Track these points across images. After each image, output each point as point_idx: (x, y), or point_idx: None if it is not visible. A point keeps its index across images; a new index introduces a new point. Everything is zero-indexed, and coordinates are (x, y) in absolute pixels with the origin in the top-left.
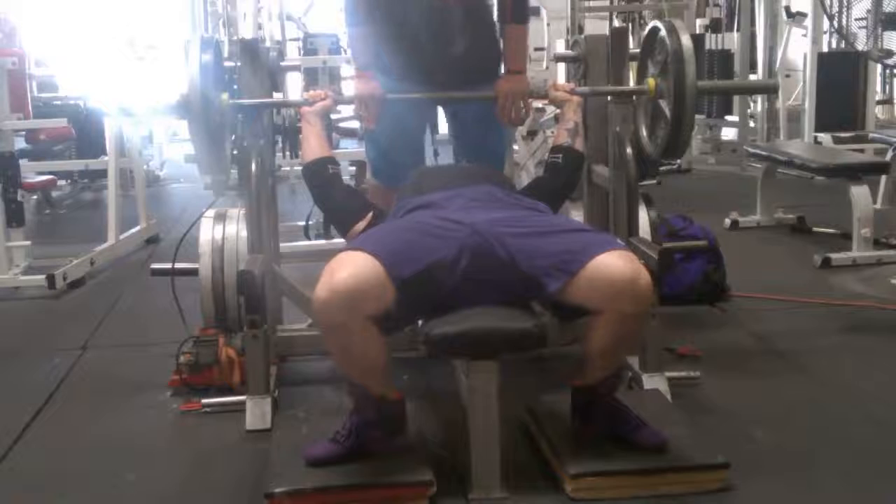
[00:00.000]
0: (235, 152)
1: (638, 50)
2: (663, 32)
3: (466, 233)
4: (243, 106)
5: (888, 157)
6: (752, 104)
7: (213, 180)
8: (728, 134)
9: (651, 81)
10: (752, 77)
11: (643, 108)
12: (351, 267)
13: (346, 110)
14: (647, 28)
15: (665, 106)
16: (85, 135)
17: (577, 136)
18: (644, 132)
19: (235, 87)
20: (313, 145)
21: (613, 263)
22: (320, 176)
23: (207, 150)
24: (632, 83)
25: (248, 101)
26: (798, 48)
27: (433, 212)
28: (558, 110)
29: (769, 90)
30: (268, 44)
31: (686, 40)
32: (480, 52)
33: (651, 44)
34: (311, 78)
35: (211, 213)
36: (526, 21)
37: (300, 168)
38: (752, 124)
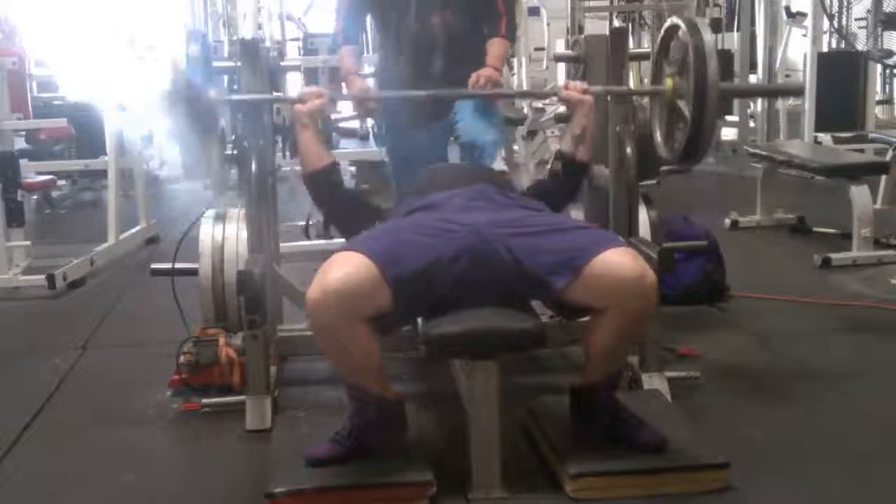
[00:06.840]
0: (235, 152)
1: (638, 50)
2: (683, 29)
3: (466, 234)
4: (237, 104)
5: (888, 157)
6: (751, 104)
7: (213, 180)
8: (728, 134)
9: (669, 81)
10: (752, 78)
11: (659, 110)
12: (345, 267)
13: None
14: (665, 25)
15: (684, 107)
16: (85, 135)
17: (583, 145)
18: (660, 136)
19: (235, 87)
20: (312, 152)
21: (619, 260)
22: (327, 189)
23: (192, 150)
24: (631, 83)
25: (238, 97)
26: (798, 48)
27: (433, 213)
28: (559, 110)
29: (794, 92)
30: (268, 44)
31: (708, 37)
32: (466, 65)
33: (668, 41)
34: (311, 78)
35: (211, 213)
36: (513, 40)
37: (299, 171)
38: (752, 124)
